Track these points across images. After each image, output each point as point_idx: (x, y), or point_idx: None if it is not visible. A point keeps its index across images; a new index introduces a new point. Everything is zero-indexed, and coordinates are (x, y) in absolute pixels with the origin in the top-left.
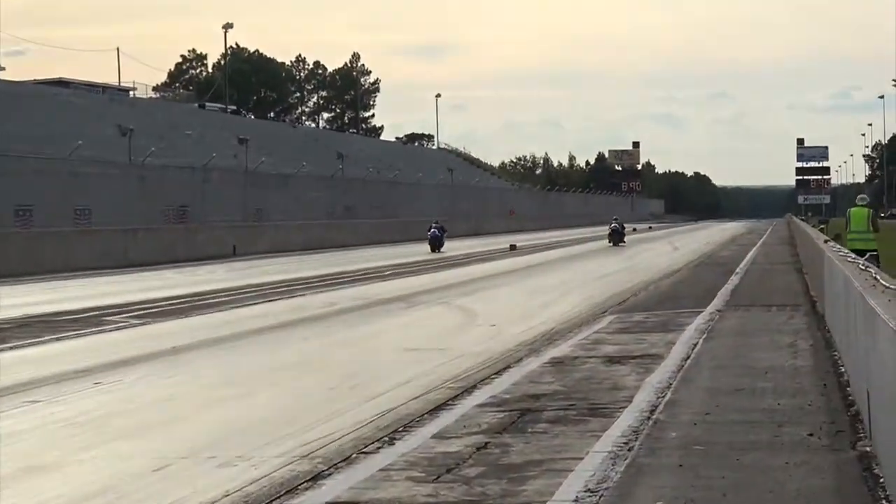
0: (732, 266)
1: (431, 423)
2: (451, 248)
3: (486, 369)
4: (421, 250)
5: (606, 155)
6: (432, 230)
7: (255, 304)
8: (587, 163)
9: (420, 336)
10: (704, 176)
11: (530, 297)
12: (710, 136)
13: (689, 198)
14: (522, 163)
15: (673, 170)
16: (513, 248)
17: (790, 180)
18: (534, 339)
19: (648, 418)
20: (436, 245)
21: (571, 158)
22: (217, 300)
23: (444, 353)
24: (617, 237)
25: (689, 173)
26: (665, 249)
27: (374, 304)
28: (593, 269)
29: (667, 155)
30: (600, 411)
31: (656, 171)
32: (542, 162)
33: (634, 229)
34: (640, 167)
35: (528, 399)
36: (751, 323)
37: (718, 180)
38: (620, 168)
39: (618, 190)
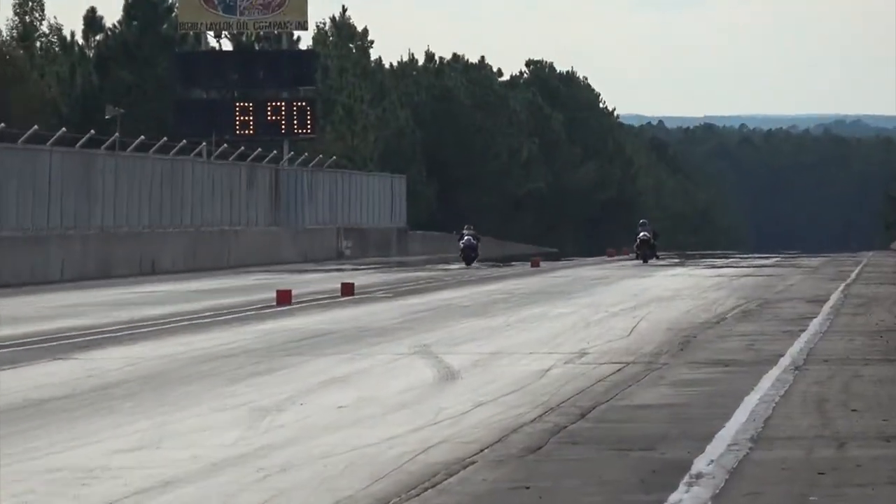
0: (686, 461)
1: None
2: None
3: None
4: None
5: (175, 6)
6: (466, 237)
7: None
8: (86, 37)
9: None
10: (583, 84)
11: None
12: None
13: (515, 173)
14: None
15: (471, 59)
16: None
17: None
18: None
19: None
20: (470, 256)
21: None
22: None
23: None
24: (648, 250)
25: (555, 66)
26: (409, 381)
27: None
28: None
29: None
30: None
31: (398, 58)
32: None
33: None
34: (303, 42)
35: None
36: None
37: (627, 107)
38: (255, 50)
39: (225, 133)
